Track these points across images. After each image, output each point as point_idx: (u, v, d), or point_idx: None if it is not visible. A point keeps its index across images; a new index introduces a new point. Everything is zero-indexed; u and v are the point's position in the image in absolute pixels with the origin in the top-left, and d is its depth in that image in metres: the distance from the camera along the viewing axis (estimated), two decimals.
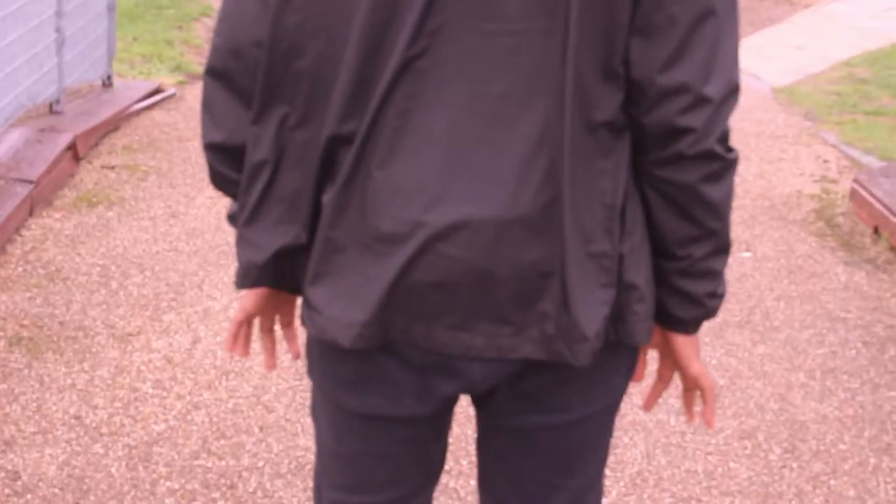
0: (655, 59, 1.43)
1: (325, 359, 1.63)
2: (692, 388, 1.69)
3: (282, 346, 1.86)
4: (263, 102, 1.51)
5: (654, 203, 1.53)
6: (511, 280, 1.48)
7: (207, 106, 1.57)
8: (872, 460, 3.27)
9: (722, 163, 1.49)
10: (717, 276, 1.58)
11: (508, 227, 1.46)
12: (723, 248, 1.56)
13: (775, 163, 6.30)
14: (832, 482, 3.16)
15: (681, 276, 1.56)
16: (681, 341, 1.63)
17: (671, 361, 1.68)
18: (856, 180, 5.48)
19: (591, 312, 1.51)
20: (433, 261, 1.46)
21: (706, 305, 1.58)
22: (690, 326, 1.61)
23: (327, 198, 1.50)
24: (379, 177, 1.46)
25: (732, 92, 1.47)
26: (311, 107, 1.50)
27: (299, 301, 1.66)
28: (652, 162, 1.49)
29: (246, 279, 1.58)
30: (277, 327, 1.76)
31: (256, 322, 1.75)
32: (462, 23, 1.42)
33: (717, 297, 1.59)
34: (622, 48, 1.44)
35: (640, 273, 1.55)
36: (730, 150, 1.50)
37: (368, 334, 1.50)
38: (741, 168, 6.12)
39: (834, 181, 5.95)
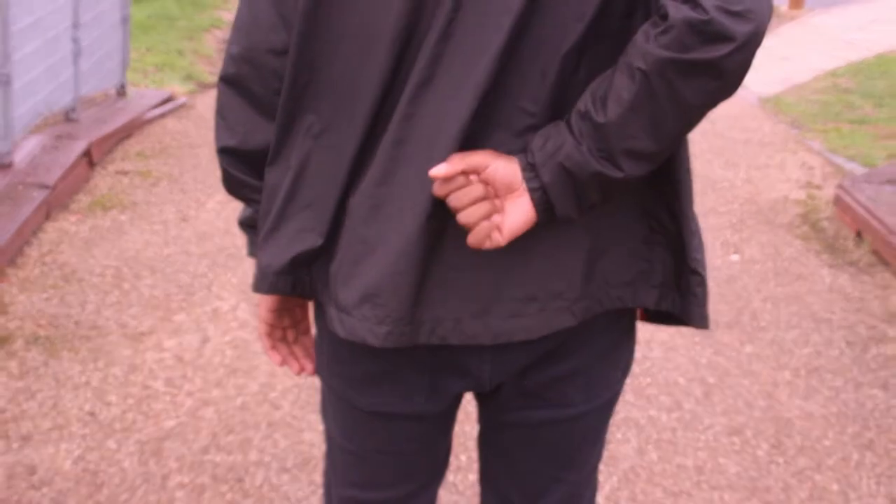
0: None
1: (335, 358, 1.62)
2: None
3: None
4: (289, 112, 1.50)
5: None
6: (537, 258, 1.47)
7: (221, 112, 1.56)
8: (855, 456, 3.28)
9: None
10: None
11: None
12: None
13: (762, 169, 6.28)
14: (817, 477, 3.17)
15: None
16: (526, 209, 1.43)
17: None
18: (840, 186, 5.45)
19: (626, 269, 1.51)
20: (457, 246, 1.45)
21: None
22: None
23: (359, 198, 1.47)
24: (408, 173, 1.45)
25: None
26: (337, 112, 1.48)
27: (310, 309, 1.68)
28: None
29: (262, 284, 1.55)
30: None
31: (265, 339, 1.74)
32: (471, 10, 1.41)
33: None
34: None
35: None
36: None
37: (399, 332, 1.46)
38: (730, 174, 6.10)
39: (819, 187, 5.92)
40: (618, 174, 1.38)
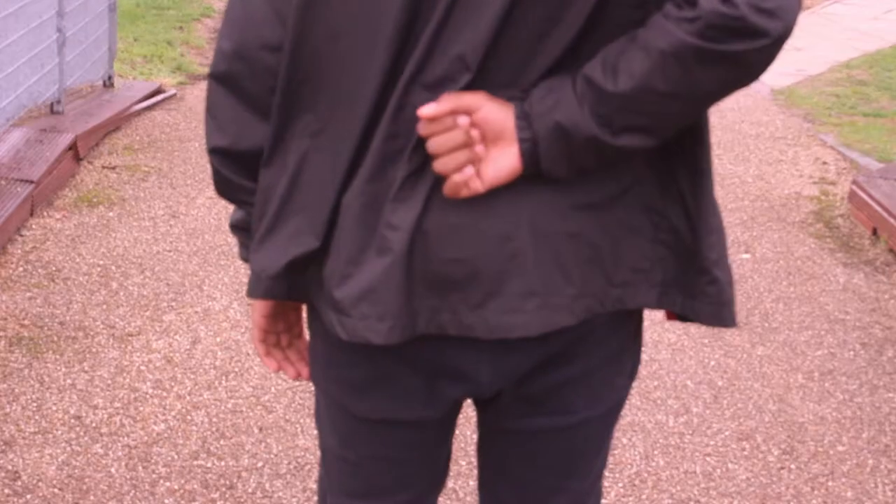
0: None
1: (330, 363, 1.61)
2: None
3: None
4: (285, 111, 1.48)
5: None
6: (537, 253, 1.45)
7: (212, 111, 1.54)
8: (870, 461, 3.28)
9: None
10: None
11: (531, 195, 1.43)
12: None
13: (774, 164, 6.30)
14: (830, 483, 3.16)
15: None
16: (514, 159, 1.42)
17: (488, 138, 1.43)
18: (854, 182, 5.48)
19: (634, 268, 1.49)
20: (455, 240, 1.44)
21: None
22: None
23: (352, 195, 1.46)
24: (400, 168, 1.44)
25: None
26: (334, 111, 1.46)
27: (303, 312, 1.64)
28: None
29: (257, 288, 1.56)
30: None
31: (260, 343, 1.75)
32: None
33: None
34: None
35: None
36: None
37: (400, 326, 1.45)
38: (740, 169, 6.11)
39: (833, 183, 5.94)
40: (614, 142, 1.39)
